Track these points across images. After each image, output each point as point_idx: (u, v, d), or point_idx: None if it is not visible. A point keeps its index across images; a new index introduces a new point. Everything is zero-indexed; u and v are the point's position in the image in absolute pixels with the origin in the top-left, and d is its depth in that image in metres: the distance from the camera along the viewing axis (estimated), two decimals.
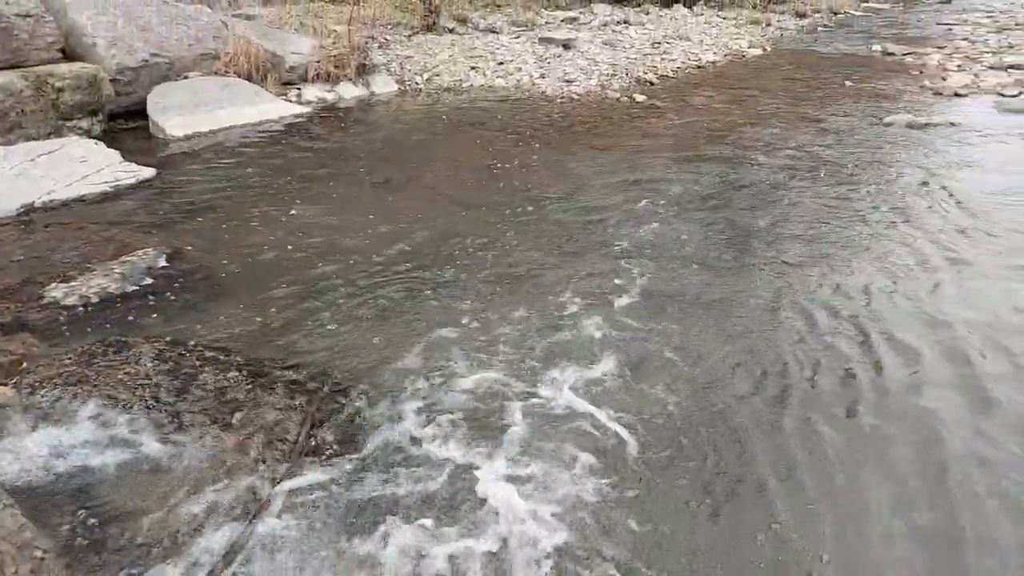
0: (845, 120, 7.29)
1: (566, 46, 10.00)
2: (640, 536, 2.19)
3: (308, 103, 7.35)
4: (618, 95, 8.27)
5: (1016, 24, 15.38)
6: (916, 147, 6.35)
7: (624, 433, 2.63)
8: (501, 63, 9.22)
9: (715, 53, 11.00)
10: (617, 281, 3.79)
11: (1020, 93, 8.21)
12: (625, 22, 12.57)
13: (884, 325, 3.37)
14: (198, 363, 2.92)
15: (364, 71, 7.99)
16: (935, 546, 2.17)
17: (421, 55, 9.19)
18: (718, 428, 2.67)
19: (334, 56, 7.65)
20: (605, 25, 12.11)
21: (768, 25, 14.41)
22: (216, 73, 7.08)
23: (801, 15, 16.35)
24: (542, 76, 8.82)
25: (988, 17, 17.06)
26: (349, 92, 7.76)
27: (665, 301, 3.60)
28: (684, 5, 14.69)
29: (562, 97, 8.18)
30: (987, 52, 11.29)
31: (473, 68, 8.91)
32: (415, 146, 6.26)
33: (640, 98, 8.10)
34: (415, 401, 2.77)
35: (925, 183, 5.38)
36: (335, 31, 7.94)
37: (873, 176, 5.55)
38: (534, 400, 2.80)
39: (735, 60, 10.99)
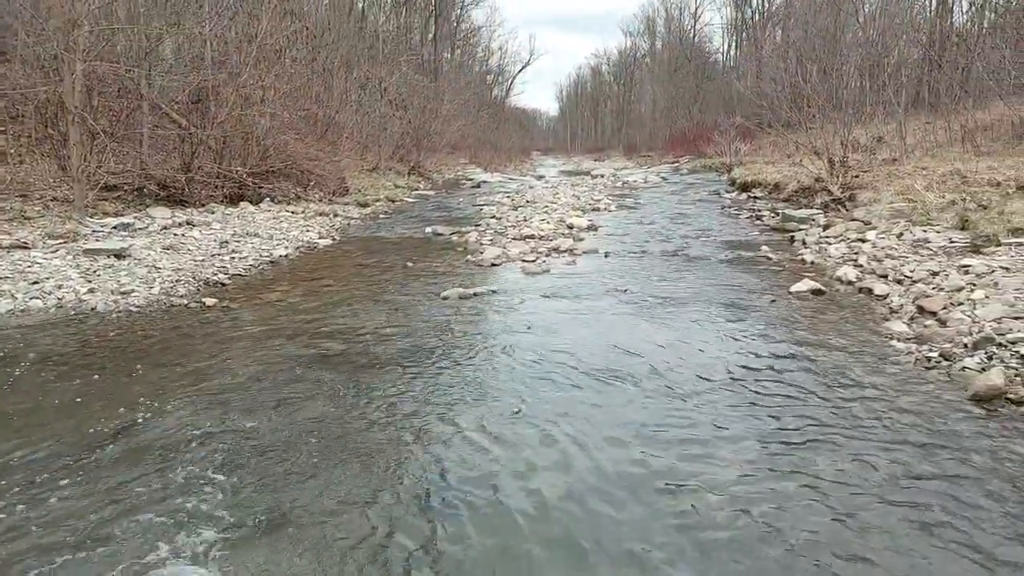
0: (410, 298, 8.03)
1: (119, 255, 9.18)
2: None
3: None
4: (185, 301, 7.78)
5: (527, 201, 19.49)
6: (469, 315, 7.27)
7: None
8: (35, 282, 7.98)
9: (287, 247, 11.33)
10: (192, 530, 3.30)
11: (536, 259, 10.22)
12: (188, 223, 12.23)
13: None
14: None
15: None
16: None
17: None
18: None
19: None
20: (166, 229, 11.57)
21: (335, 216, 15.56)
22: None
23: (364, 205, 18.14)
24: (91, 291, 7.85)
25: (508, 197, 21.33)
26: None
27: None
28: (251, 203, 15.02)
29: (118, 311, 7.35)
30: (510, 226, 13.93)
31: None
32: None
33: (211, 301, 7.75)
34: None
35: (478, 345, 6.13)
36: None
37: (442, 346, 6.11)
38: None
39: (307, 252, 11.47)
